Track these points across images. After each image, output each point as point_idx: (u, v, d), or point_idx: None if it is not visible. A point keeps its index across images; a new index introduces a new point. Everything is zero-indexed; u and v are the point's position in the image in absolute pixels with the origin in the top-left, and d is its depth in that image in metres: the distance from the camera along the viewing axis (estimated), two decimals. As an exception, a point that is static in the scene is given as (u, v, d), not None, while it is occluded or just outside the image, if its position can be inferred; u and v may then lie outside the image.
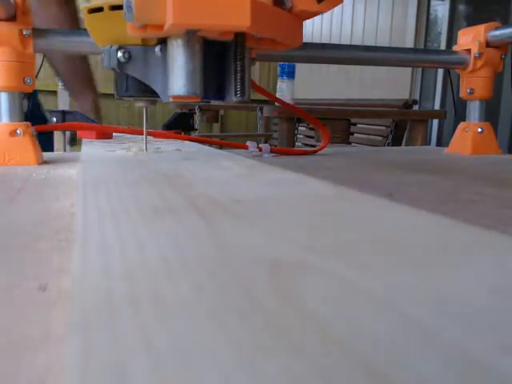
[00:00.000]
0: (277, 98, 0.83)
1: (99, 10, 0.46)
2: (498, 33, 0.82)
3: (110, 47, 0.47)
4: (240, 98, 0.45)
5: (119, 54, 0.46)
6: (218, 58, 0.46)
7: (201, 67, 0.43)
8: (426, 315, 0.13)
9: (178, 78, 0.43)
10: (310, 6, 0.45)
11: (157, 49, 0.45)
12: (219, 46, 0.45)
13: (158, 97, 0.47)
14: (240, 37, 0.43)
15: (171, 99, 0.45)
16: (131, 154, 0.56)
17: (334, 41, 3.72)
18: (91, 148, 0.65)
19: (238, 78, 0.44)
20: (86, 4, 0.47)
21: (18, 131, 0.61)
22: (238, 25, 0.39)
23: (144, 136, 0.60)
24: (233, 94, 0.45)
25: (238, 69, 0.44)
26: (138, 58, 0.46)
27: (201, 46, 0.43)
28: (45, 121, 1.06)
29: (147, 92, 0.47)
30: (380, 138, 2.28)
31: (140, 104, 0.52)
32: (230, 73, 0.45)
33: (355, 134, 2.49)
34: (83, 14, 0.48)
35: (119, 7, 0.44)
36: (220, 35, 0.43)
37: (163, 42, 0.45)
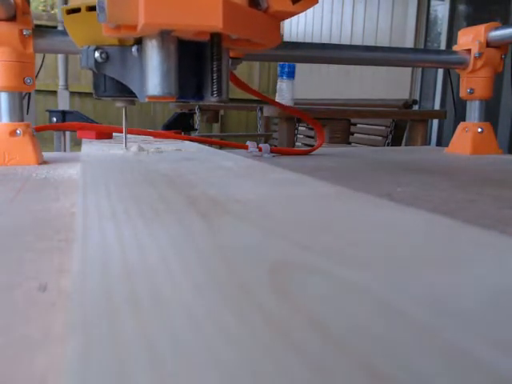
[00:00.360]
0: (268, 98, 0.83)
1: (77, 10, 0.47)
2: (498, 33, 0.82)
3: (88, 47, 0.47)
4: (217, 98, 0.45)
5: (96, 54, 0.46)
6: (196, 58, 0.46)
7: (176, 67, 0.44)
8: (426, 315, 0.13)
9: (153, 78, 0.43)
10: (286, 6, 0.45)
11: (134, 49, 0.45)
12: (196, 46, 0.46)
13: (136, 97, 0.47)
14: (216, 37, 0.43)
15: (147, 99, 0.45)
16: (130, 154, 0.56)
17: (334, 41, 3.72)
18: (91, 148, 0.65)
19: (215, 78, 0.44)
20: (64, 5, 0.48)
21: (18, 131, 0.61)
22: (211, 25, 0.39)
23: (124, 135, 0.61)
24: (209, 94, 0.46)
25: (215, 69, 0.44)
26: (116, 58, 0.46)
27: (176, 47, 0.43)
28: None
29: (125, 92, 0.48)
30: (380, 137, 2.28)
31: (119, 104, 0.53)
32: (206, 74, 0.46)
33: (355, 134, 2.49)
34: (62, 15, 0.49)
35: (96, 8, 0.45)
36: (195, 35, 0.44)
37: (140, 42, 0.45)
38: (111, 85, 0.48)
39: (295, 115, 0.85)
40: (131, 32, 0.41)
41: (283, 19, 0.48)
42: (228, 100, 0.48)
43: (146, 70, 0.44)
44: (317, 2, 0.47)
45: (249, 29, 0.43)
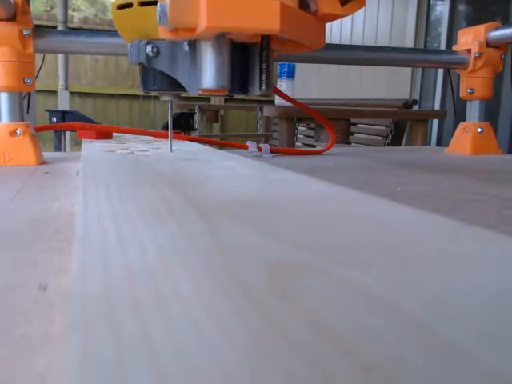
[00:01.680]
0: (289, 97, 0.83)
1: (128, 5, 0.47)
2: (497, 33, 0.82)
3: (139, 42, 0.48)
4: (265, 91, 0.47)
5: (148, 48, 0.47)
6: (242, 57, 0.47)
7: (229, 62, 0.45)
8: (426, 315, 0.13)
9: (207, 71, 0.45)
10: (335, 9, 0.46)
11: (185, 44, 0.46)
12: (243, 46, 0.47)
13: (185, 90, 0.48)
14: (266, 39, 0.45)
15: (200, 92, 0.46)
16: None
17: (334, 41, 3.72)
18: (91, 148, 0.65)
19: (264, 79, 0.46)
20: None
21: (18, 131, 0.61)
22: (268, 28, 0.40)
23: (169, 132, 0.60)
24: (257, 88, 0.47)
25: (264, 70, 0.46)
26: (166, 52, 0.47)
27: (229, 47, 0.45)
28: None
29: (174, 86, 0.49)
30: (380, 138, 2.28)
31: (166, 98, 0.54)
32: (254, 72, 0.47)
33: (355, 134, 2.49)
34: (111, 10, 0.49)
35: (148, 3, 0.46)
36: (248, 38, 0.45)
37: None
38: (160, 79, 0.49)
39: (311, 116, 0.85)
40: (189, 34, 0.42)
41: (330, 21, 0.49)
42: (271, 92, 0.49)
43: (200, 64, 0.45)
44: (364, 4, 0.48)
45: (300, 31, 0.44)
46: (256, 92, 0.47)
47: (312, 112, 0.84)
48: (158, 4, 0.41)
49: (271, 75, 0.47)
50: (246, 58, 0.47)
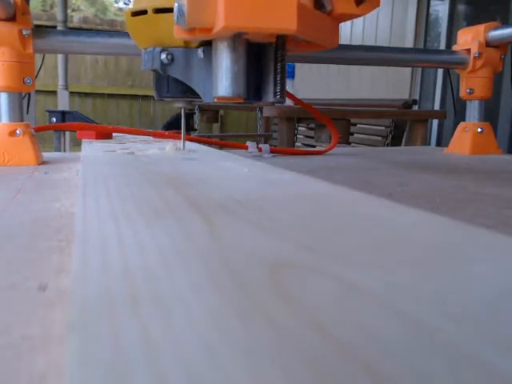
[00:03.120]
0: (294, 97, 0.83)
1: (143, 12, 0.47)
2: (497, 33, 0.82)
3: (153, 49, 0.48)
4: (279, 99, 0.46)
5: (162, 55, 0.47)
6: (257, 59, 0.47)
7: (245, 69, 0.45)
8: (426, 315, 0.13)
9: (223, 79, 0.44)
10: (350, 9, 0.46)
11: (200, 51, 0.46)
12: (257, 47, 0.46)
13: (199, 97, 0.48)
14: (281, 39, 0.44)
15: (215, 100, 0.46)
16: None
17: (334, 41, 3.71)
18: (91, 148, 0.65)
19: (278, 79, 0.45)
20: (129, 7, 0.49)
21: (18, 131, 0.61)
22: (285, 28, 0.40)
23: (182, 135, 0.61)
24: (271, 95, 0.46)
25: (279, 70, 0.45)
26: (181, 59, 0.47)
27: (244, 49, 0.44)
28: None
29: (188, 93, 0.49)
30: (380, 138, 2.28)
31: (179, 105, 0.54)
32: (268, 74, 0.46)
33: (355, 134, 2.49)
34: (125, 17, 0.49)
35: (163, 10, 0.46)
36: (263, 38, 0.45)
37: (205, 44, 0.46)
38: (174, 86, 0.49)
39: (315, 116, 0.85)
40: (205, 34, 0.41)
41: (344, 21, 0.49)
42: (285, 100, 0.48)
43: (215, 71, 0.45)
44: (379, 4, 0.48)
45: (315, 31, 0.44)
46: (270, 99, 0.47)
47: (316, 112, 0.84)
48: (176, 4, 0.40)
49: (285, 80, 0.47)
50: (261, 61, 0.47)
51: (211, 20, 0.39)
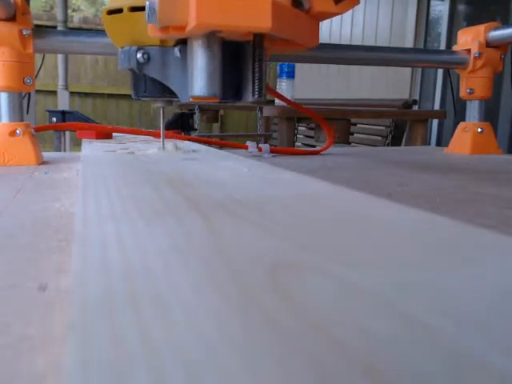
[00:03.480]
0: (283, 97, 0.83)
1: (118, 11, 0.47)
2: (497, 33, 0.82)
3: (130, 48, 0.47)
4: (258, 99, 0.45)
5: (138, 54, 0.46)
6: (235, 58, 0.46)
7: (220, 68, 0.44)
8: (426, 315, 0.13)
9: (198, 79, 0.43)
10: (328, 7, 0.46)
11: (176, 50, 0.45)
12: (235, 46, 0.46)
13: (177, 97, 0.47)
14: (258, 38, 0.44)
15: (191, 99, 0.45)
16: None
17: (334, 41, 3.72)
18: (91, 148, 0.65)
19: (257, 78, 0.45)
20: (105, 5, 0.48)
21: (18, 131, 0.61)
22: (260, 26, 0.39)
23: (161, 136, 0.60)
24: (250, 95, 0.46)
25: (256, 69, 0.44)
26: (157, 58, 0.46)
27: (220, 47, 0.44)
28: None
29: (165, 92, 0.48)
30: (380, 138, 2.28)
31: (158, 105, 0.53)
32: (247, 73, 0.46)
33: (355, 134, 2.49)
34: (102, 15, 0.49)
35: (139, 8, 0.45)
36: (240, 36, 0.44)
37: (182, 42, 0.45)
38: (152, 85, 0.48)
39: (308, 116, 0.85)
40: (179, 33, 0.41)
41: (324, 19, 0.49)
42: (266, 100, 0.48)
43: (191, 70, 0.44)
44: (358, 2, 0.48)
45: (292, 29, 0.44)
46: (249, 99, 0.46)
47: (308, 112, 0.84)
48: (147, 2, 0.40)
49: (264, 78, 0.46)
50: (239, 59, 0.46)
51: (184, 18, 0.39)
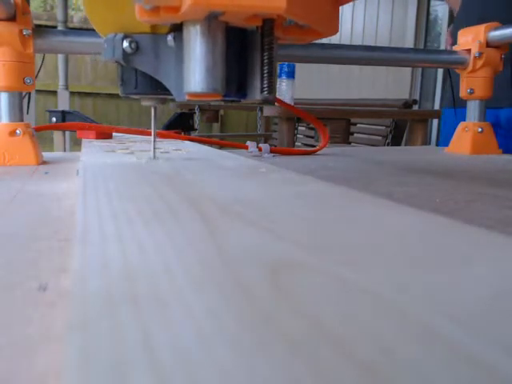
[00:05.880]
0: (277, 99, 0.83)
1: None
2: (497, 33, 0.82)
3: (114, 36, 0.40)
4: (267, 96, 0.38)
5: (125, 43, 0.39)
6: (239, 47, 0.38)
7: (222, 60, 0.36)
8: (426, 315, 0.13)
9: (195, 72, 0.36)
10: None
11: (169, 37, 0.38)
12: (240, 33, 0.38)
13: (171, 94, 0.40)
14: (268, 23, 0.36)
15: (187, 97, 0.38)
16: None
17: (334, 41, 3.72)
18: (91, 148, 0.65)
19: (266, 71, 0.37)
20: None
21: (18, 131, 0.61)
22: (272, 6, 0.31)
23: (152, 140, 0.50)
24: (258, 91, 0.38)
25: (266, 61, 0.37)
26: (147, 48, 0.39)
27: (222, 34, 0.36)
28: None
29: (158, 89, 0.40)
30: (380, 137, 2.28)
31: (147, 103, 0.44)
32: (254, 66, 0.38)
33: (355, 134, 2.49)
34: (82, 0, 0.41)
35: None
36: (246, 21, 0.36)
37: (177, 29, 0.38)
38: (143, 80, 0.41)
39: (299, 116, 0.84)
40: (172, 15, 0.33)
41: (346, 3, 0.41)
42: (274, 100, 0.40)
43: (186, 61, 0.36)
44: None
45: (310, 13, 0.36)
46: (256, 97, 0.38)
47: (301, 113, 0.84)
48: None
49: (275, 72, 0.38)
50: (245, 50, 0.38)
51: None
